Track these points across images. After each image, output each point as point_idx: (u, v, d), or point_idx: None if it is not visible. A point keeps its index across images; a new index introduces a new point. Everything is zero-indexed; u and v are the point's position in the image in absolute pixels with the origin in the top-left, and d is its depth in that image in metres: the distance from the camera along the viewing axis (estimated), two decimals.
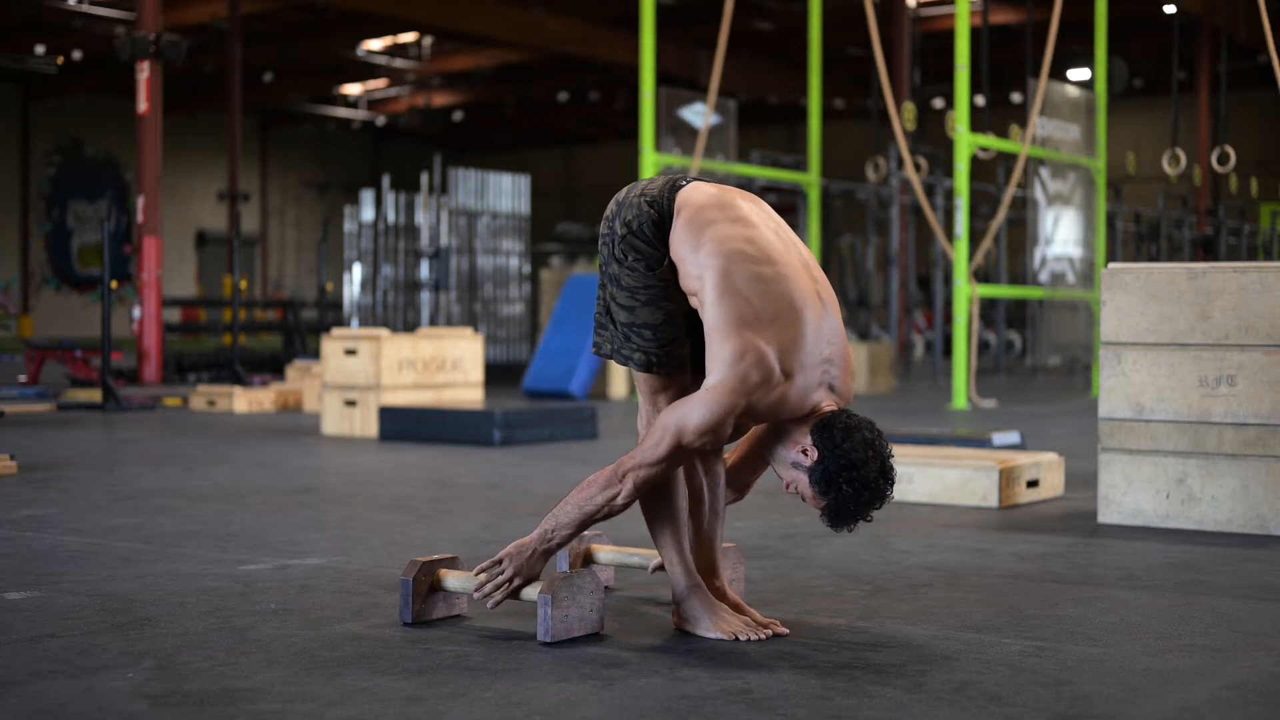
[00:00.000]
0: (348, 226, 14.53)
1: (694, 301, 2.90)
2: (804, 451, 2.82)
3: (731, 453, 3.22)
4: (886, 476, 2.79)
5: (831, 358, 2.88)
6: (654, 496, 2.99)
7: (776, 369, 2.78)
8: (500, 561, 2.98)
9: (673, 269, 2.93)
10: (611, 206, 3.02)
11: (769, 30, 22.98)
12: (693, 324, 2.97)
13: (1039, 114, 12.03)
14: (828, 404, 2.86)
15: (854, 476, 2.76)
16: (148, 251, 12.45)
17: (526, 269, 14.95)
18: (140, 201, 12.53)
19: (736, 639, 2.91)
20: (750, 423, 2.91)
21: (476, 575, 3.01)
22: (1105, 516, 4.73)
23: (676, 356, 2.98)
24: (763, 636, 2.93)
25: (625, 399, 11.71)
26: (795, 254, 2.94)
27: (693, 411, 2.79)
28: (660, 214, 2.93)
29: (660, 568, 3.29)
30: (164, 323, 13.09)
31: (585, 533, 3.54)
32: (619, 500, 2.86)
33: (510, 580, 2.96)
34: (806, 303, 2.85)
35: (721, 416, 2.77)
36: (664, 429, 2.82)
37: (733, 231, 2.87)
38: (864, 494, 2.78)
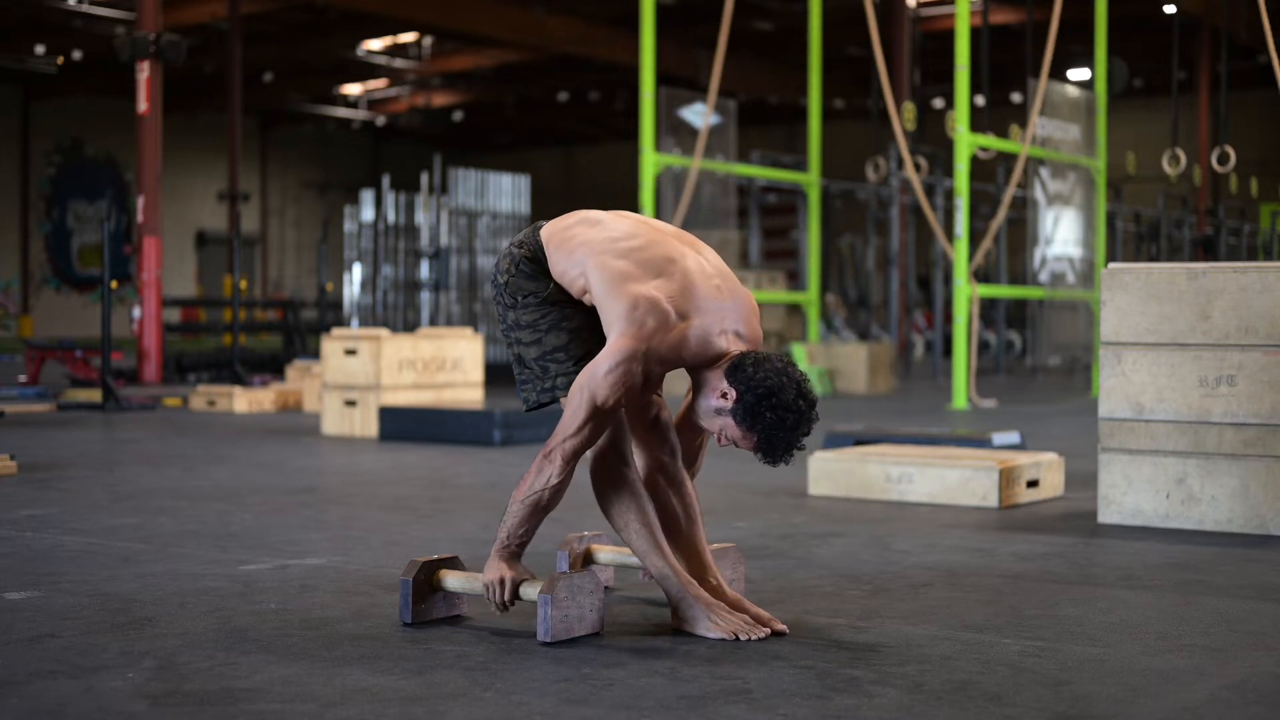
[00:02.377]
0: (348, 226, 14.52)
1: (588, 300, 3.01)
2: (723, 395, 2.91)
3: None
4: (805, 397, 2.88)
5: (728, 304, 2.99)
6: (618, 509, 3.00)
7: (671, 312, 2.90)
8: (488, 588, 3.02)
9: (561, 290, 3.06)
10: (492, 272, 3.18)
11: (769, 30, 22.97)
12: (601, 340, 3.03)
13: (1039, 114, 12.03)
14: (736, 347, 2.96)
15: (775, 403, 2.84)
16: (148, 251, 12.45)
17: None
18: (140, 201, 12.52)
19: (736, 638, 2.91)
20: (658, 369, 2.95)
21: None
22: (1105, 516, 4.73)
23: None
24: (763, 634, 2.93)
25: None
26: (666, 230, 3.10)
27: (599, 369, 2.88)
28: (530, 251, 3.09)
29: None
30: (164, 323, 13.08)
31: (585, 533, 3.54)
32: (554, 479, 2.93)
33: (496, 593, 2.98)
34: (685, 256, 3.01)
35: (626, 366, 2.86)
36: (577, 394, 2.91)
37: (595, 231, 3.05)
38: (788, 417, 2.85)
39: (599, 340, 3.04)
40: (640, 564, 3.37)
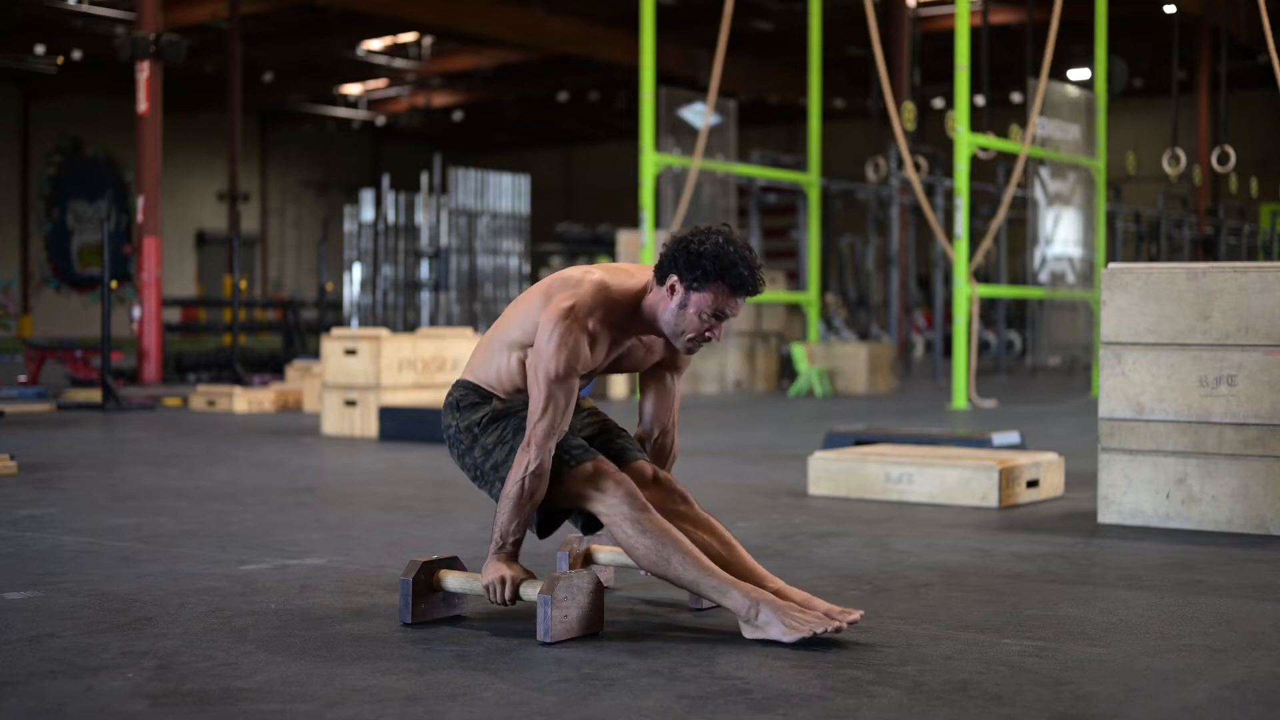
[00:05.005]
0: (348, 226, 14.52)
1: (530, 363, 3.08)
2: (670, 290, 2.99)
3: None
4: (713, 226, 3.02)
5: (628, 266, 3.18)
6: (655, 551, 2.95)
7: (579, 275, 3.05)
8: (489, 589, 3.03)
9: (505, 401, 3.16)
10: (445, 443, 3.28)
11: (769, 30, 22.97)
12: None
13: (1039, 114, 12.03)
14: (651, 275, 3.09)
15: (698, 239, 2.97)
16: (148, 251, 12.45)
17: (526, 269, 14.97)
18: (140, 201, 12.52)
19: (815, 634, 2.85)
20: (594, 323, 3.00)
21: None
22: (1105, 516, 4.73)
23: (576, 447, 3.06)
24: (844, 625, 2.88)
25: (625, 398, 11.71)
26: None
27: (539, 344, 2.97)
28: (462, 391, 3.19)
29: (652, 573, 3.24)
30: (164, 323, 13.08)
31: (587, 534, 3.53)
32: (532, 464, 2.97)
33: (498, 593, 2.99)
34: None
35: (562, 326, 2.94)
36: (533, 379, 2.99)
37: (493, 325, 3.22)
38: (716, 238, 2.96)
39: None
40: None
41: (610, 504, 2.99)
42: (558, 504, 3.08)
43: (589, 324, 2.98)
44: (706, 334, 3.00)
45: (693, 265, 2.94)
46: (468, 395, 3.18)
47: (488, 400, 3.16)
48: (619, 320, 3.04)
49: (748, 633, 2.93)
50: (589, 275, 3.04)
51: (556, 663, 2.74)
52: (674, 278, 2.97)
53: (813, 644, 2.88)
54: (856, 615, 2.93)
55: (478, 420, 3.14)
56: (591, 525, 3.16)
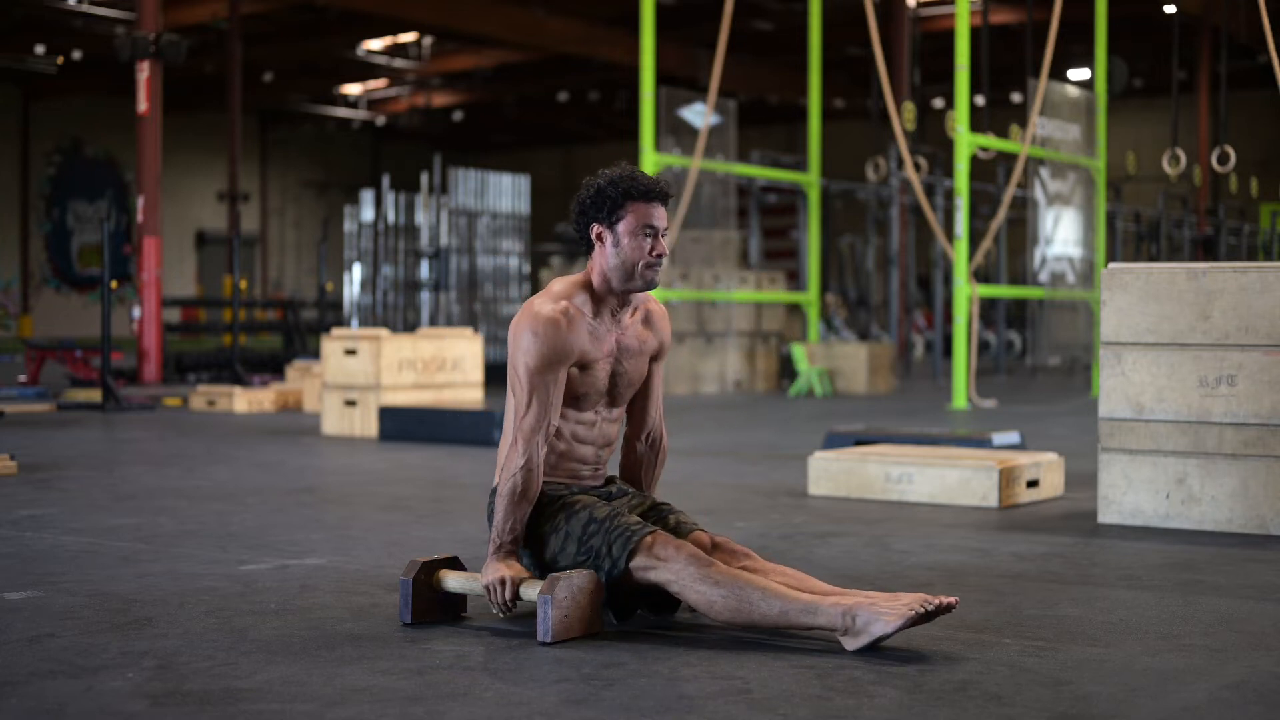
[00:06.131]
0: (348, 226, 14.51)
1: (508, 390, 3.14)
2: (600, 240, 3.09)
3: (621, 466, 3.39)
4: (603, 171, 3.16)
5: None
6: (737, 599, 2.89)
7: (535, 297, 3.11)
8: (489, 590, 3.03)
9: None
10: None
11: (769, 30, 22.97)
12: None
13: (1039, 114, 12.03)
14: None
15: (586, 186, 3.11)
16: (148, 251, 12.44)
17: (526, 269, 14.97)
18: (140, 201, 12.52)
19: (917, 613, 2.79)
20: (570, 307, 3.06)
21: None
22: (1105, 516, 4.73)
23: (635, 524, 3.03)
24: (942, 604, 2.83)
25: None
26: None
27: (517, 344, 3.02)
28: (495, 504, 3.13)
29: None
30: (164, 323, 13.08)
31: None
32: (520, 460, 3.02)
33: (498, 594, 2.98)
34: None
35: (531, 321, 3.02)
36: (513, 378, 3.04)
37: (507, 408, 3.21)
38: (601, 173, 3.13)
39: (607, 500, 3.18)
40: None
41: (675, 568, 2.94)
42: (625, 584, 3.02)
43: (561, 304, 3.04)
44: (653, 253, 3.07)
45: (600, 203, 3.07)
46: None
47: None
48: (587, 303, 3.09)
49: (850, 644, 2.83)
50: (545, 289, 3.14)
51: (556, 663, 2.74)
52: (595, 227, 3.09)
53: (813, 644, 2.88)
54: (952, 600, 2.86)
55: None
56: (663, 608, 3.12)
